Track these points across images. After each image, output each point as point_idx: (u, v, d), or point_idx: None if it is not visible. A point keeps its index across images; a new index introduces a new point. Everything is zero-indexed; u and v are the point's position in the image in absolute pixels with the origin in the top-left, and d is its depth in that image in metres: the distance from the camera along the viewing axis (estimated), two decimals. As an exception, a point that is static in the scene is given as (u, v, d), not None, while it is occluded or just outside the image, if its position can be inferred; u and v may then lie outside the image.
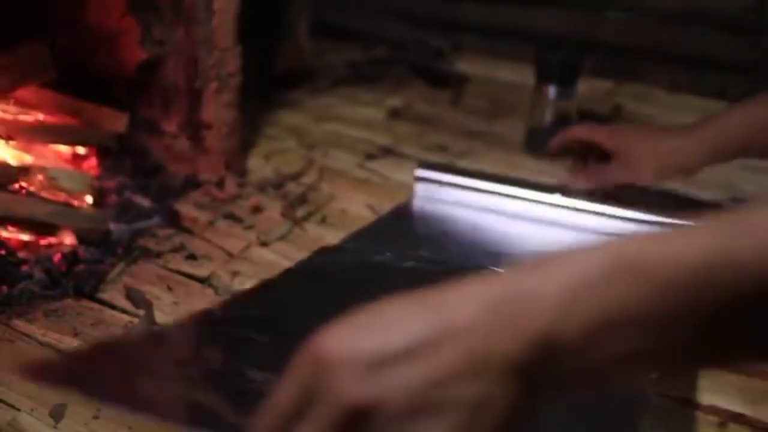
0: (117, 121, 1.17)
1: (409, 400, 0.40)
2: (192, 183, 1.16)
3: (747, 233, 0.40)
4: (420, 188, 1.10)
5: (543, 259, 0.43)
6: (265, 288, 0.89)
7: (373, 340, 0.41)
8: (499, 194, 1.05)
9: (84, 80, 1.20)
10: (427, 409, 0.40)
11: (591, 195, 1.03)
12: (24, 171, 1.03)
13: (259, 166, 1.23)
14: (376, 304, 0.43)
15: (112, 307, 0.93)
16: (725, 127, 0.96)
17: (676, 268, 0.40)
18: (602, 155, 1.06)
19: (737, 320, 0.41)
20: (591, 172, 1.07)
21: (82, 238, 1.00)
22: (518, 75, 1.45)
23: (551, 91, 1.21)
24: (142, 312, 0.91)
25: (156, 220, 1.08)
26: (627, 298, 0.40)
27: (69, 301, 0.93)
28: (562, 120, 1.22)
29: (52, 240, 0.99)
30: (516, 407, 0.41)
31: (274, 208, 1.12)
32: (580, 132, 1.11)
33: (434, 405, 0.40)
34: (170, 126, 1.19)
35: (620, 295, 0.40)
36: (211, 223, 1.09)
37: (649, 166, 1.00)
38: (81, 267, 0.97)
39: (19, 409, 0.77)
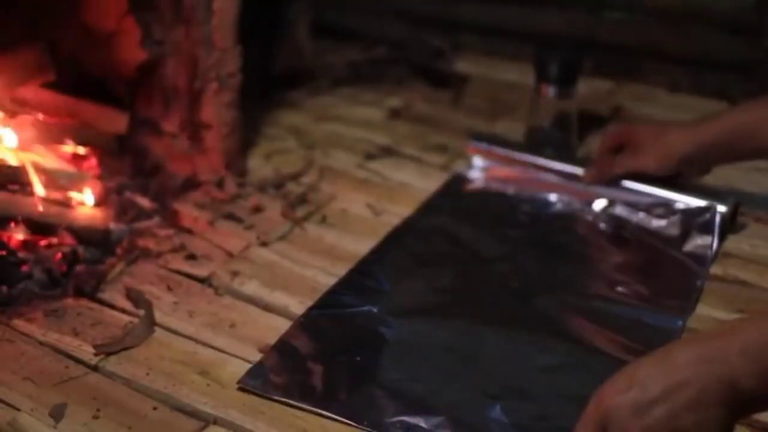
0: (117, 121, 1.17)
1: (661, 427, 0.64)
2: (192, 183, 1.16)
3: None
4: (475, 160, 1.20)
5: (731, 327, 0.66)
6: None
7: (637, 397, 0.65)
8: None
9: (84, 80, 1.20)
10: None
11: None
12: (24, 171, 1.03)
13: (259, 166, 1.23)
14: (630, 366, 0.67)
15: (112, 307, 0.93)
16: (726, 125, 1.02)
17: None
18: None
19: None
20: (601, 161, 1.12)
21: (82, 238, 1.00)
22: (518, 75, 1.45)
23: (551, 91, 1.20)
24: (142, 312, 0.91)
25: (156, 220, 1.08)
26: None
27: (69, 301, 0.93)
28: (562, 120, 1.22)
29: (52, 240, 0.99)
30: (724, 428, 0.64)
31: (274, 208, 1.12)
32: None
33: (677, 430, 0.64)
34: (170, 126, 1.19)
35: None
36: (211, 223, 1.08)
37: (652, 155, 1.06)
38: (81, 267, 0.97)
39: (19, 409, 0.77)
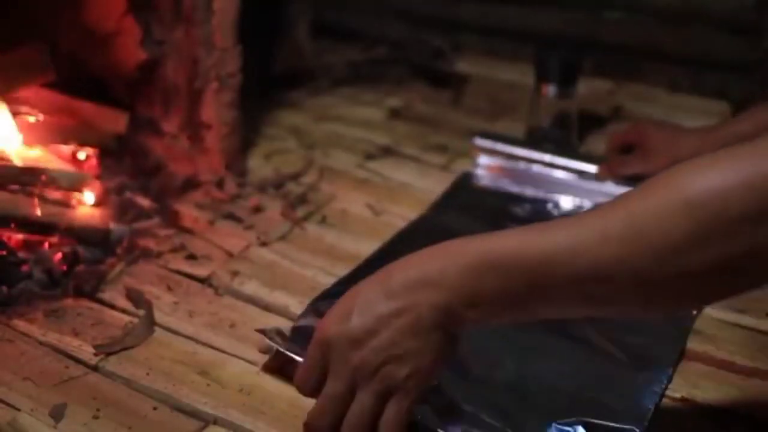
0: (117, 121, 1.17)
1: (379, 357, 0.66)
2: (192, 183, 1.16)
3: (564, 236, 0.61)
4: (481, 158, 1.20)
5: (445, 248, 0.66)
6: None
7: (354, 328, 0.66)
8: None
9: (84, 80, 1.20)
10: (390, 359, 0.66)
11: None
12: (24, 171, 1.03)
13: (259, 166, 1.23)
14: (353, 289, 0.69)
15: (112, 307, 0.93)
16: (736, 131, 1.02)
17: (520, 265, 0.62)
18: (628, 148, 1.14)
19: (559, 295, 0.63)
20: (613, 162, 1.13)
21: (82, 238, 1.00)
22: (518, 75, 1.45)
23: (551, 91, 1.21)
24: (142, 312, 0.91)
25: (156, 220, 1.08)
26: (487, 284, 0.64)
27: (69, 301, 0.93)
28: (562, 120, 1.22)
29: (52, 240, 0.99)
30: (441, 348, 0.66)
31: (274, 208, 1.12)
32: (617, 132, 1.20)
33: (394, 357, 0.66)
34: (170, 126, 1.19)
35: (484, 283, 0.64)
36: (211, 223, 1.09)
37: (664, 159, 1.06)
38: (81, 267, 0.97)
39: (19, 409, 0.77)
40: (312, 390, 0.70)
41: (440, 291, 0.64)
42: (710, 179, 0.57)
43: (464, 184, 1.18)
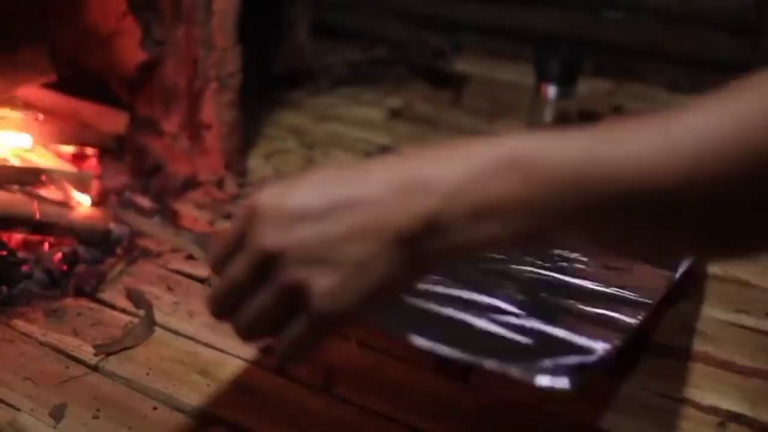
0: (117, 121, 1.17)
1: (304, 252, 0.49)
2: (192, 183, 1.16)
3: (619, 143, 0.45)
4: None
5: (446, 148, 0.49)
6: None
7: (294, 200, 0.50)
8: None
9: (84, 80, 1.20)
10: (318, 260, 0.48)
11: None
12: (24, 171, 1.03)
13: (259, 166, 1.23)
14: (313, 169, 0.54)
15: (112, 307, 0.93)
16: None
17: (552, 170, 0.46)
18: None
19: (597, 217, 0.46)
20: None
21: (82, 238, 1.00)
22: (518, 75, 1.45)
23: (551, 91, 1.21)
24: (142, 312, 0.91)
25: (156, 220, 1.08)
26: (506, 191, 0.46)
27: (69, 301, 0.93)
28: (562, 120, 1.22)
29: (52, 240, 0.99)
30: (396, 273, 0.48)
31: (274, 208, 1.12)
32: None
33: (324, 258, 0.48)
34: (170, 126, 1.19)
35: (501, 188, 0.47)
36: (211, 223, 1.08)
37: None
38: (81, 267, 0.97)
39: (19, 409, 0.77)
40: (221, 267, 0.54)
41: (433, 197, 0.47)
42: None
43: None
